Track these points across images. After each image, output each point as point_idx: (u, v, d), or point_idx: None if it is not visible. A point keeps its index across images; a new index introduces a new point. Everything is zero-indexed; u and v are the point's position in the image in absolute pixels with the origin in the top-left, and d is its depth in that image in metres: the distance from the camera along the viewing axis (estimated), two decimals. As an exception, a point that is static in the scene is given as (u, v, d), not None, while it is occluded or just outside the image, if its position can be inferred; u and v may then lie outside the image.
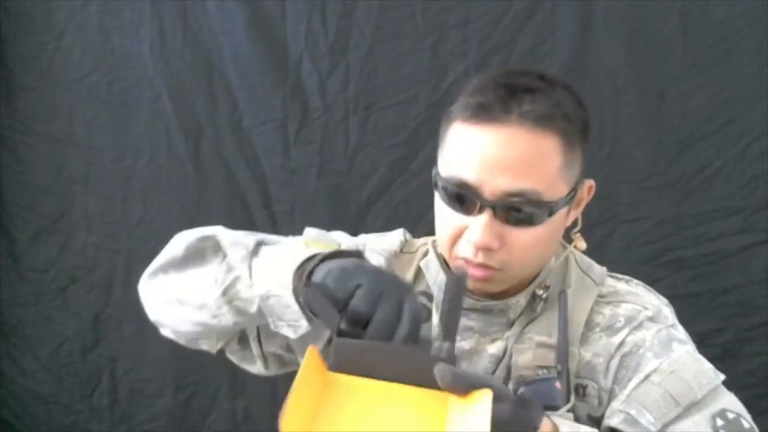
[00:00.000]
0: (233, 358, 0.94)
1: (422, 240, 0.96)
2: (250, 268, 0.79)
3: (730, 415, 0.76)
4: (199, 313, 0.83)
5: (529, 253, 0.80)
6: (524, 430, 0.64)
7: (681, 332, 0.84)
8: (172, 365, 1.92)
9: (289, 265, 0.74)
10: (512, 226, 0.78)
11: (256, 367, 0.94)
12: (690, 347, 0.82)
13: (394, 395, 0.63)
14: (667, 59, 1.63)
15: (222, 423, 1.94)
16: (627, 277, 0.91)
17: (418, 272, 0.92)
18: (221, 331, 0.87)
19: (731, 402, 0.78)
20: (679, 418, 0.76)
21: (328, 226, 0.97)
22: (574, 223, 0.88)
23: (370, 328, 0.64)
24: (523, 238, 0.78)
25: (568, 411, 0.80)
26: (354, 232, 1.01)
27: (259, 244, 0.83)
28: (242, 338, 0.93)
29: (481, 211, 0.77)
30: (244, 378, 1.88)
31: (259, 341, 0.91)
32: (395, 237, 0.97)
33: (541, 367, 0.82)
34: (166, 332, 0.91)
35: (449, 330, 0.66)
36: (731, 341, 1.67)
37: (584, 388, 0.82)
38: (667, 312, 0.86)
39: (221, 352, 0.93)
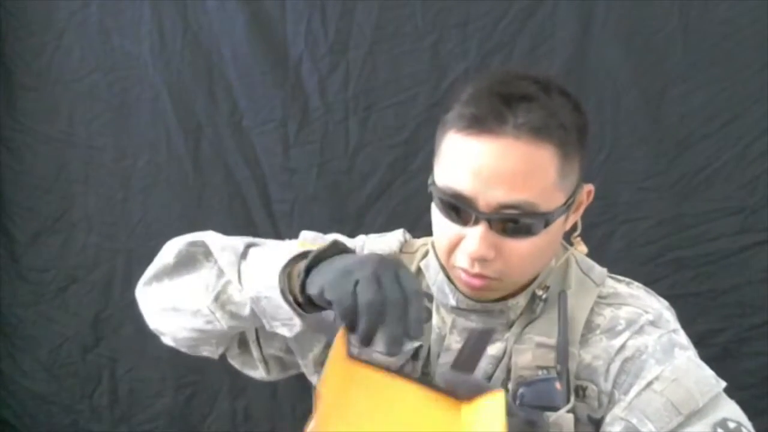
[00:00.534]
0: (235, 363, 0.94)
1: (422, 240, 0.96)
2: (239, 271, 0.79)
3: (731, 425, 0.76)
4: (195, 320, 0.83)
5: (526, 262, 0.80)
6: None
7: (682, 337, 0.84)
8: (172, 365, 1.92)
9: (276, 265, 0.75)
10: (508, 237, 0.77)
11: (258, 372, 0.94)
12: (691, 353, 0.82)
13: (409, 391, 0.63)
14: (667, 59, 1.63)
15: (222, 423, 1.94)
16: (627, 279, 0.91)
17: (418, 273, 0.92)
18: (219, 336, 0.87)
19: (732, 411, 0.78)
20: (680, 426, 0.76)
21: (328, 226, 0.97)
22: (574, 227, 0.88)
23: (385, 316, 0.65)
24: (519, 248, 0.78)
25: (568, 412, 0.80)
26: (354, 232, 1.01)
27: (248, 247, 0.83)
28: (242, 342, 0.93)
29: (476, 222, 0.77)
30: (244, 378, 1.86)
31: (259, 344, 0.91)
32: (394, 238, 0.97)
33: (541, 368, 0.82)
34: (167, 340, 0.91)
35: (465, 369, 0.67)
36: (731, 341, 1.67)
37: (584, 389, 0.82)
38: (668, 316, 0.86)
39: (222, 356, 0.93)
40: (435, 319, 0.89)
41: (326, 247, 0.75)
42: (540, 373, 0.81)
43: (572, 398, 0.81)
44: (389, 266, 0.68)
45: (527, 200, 0.75)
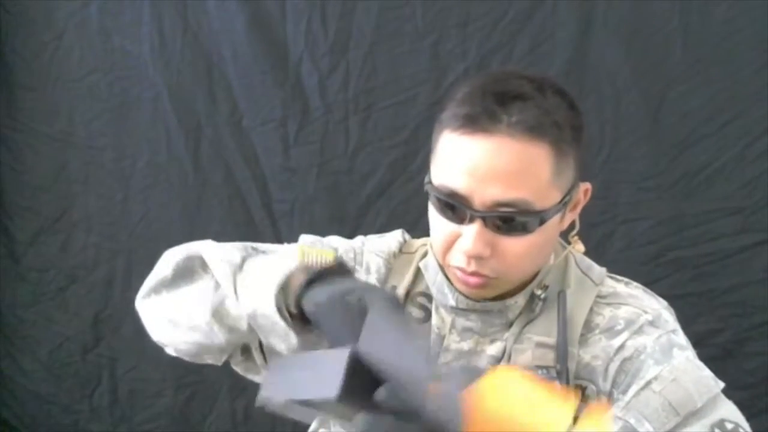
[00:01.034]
0: (238, 368, 0.94)
1: (422, 240, 0.96)
2: (235, 285, 0.78)
3: (729, 426, 0.76)
4: (193, 334, 0.83)
5: (522, 260, 0.80)
6: None
7: (681, 337, 0.84)
8: (172, 365, 1.91)
9: (273, 281, 0.74)
10: (504, 235, 0.77)
11: (262, 377, 0.94)
12: (690, 353, 0.82)
13: None
14: (667, 59, 1.63)
15: (222, 423, 1.94)
16: (626, 279, 0.90)
17: (418, 273, 0.92)
18: (219, 348, 0.87)
19: (730, 412, 0.78)
20: (678, 427, 0.76)
21: (328, 226, 0.97)
22: (572, 226, 0.88)
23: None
24: (515, 246, 0.78)
25: (568, 411, 0.80)
26: (354, 232, 1.01)
27: (245, 258, 0.82)
28: (245, 349, 0.92)
29: (471, 220, 0.77)
30: (244, 378, 1.87)
31: (262, 351, 0.91)
32: (393, 238, 0.97)
33: (541, 367, 0.82)
34: (169, 351, 0.91)
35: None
36: (731, 341, 1.67)
37: (583, 389, 0.82)
38: (667, 316, 0.86)
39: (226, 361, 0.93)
40: (434, 319, 0.89)
41: (326, 268, 0.74)
42: (539, 372, 0.81)
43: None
44: (382, 298, 0.67)
45: (522, 198, 0.75)
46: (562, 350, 0.82)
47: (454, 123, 0.78)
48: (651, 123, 1.65)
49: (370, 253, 0.94)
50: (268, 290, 0.74)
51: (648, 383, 0.78)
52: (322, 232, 1.00)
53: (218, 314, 0.80)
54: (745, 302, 1.66)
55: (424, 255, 0.93)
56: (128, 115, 1.87)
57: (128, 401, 1.98)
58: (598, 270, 0.90)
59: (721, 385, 0.80)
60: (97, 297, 1.95)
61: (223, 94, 1.82)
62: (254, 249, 0.90)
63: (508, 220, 0.77)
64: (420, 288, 0.91)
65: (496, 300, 0.85)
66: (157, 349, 0.90)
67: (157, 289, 0.87)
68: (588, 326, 0.84)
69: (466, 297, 0.85)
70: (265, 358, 0.91)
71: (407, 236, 0.98)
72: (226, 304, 0.79)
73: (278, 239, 1.84)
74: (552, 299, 0.85)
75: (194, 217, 1.87)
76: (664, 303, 0.88)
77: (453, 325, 0.88)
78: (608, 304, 0.86)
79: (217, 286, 0.80)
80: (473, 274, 0.80)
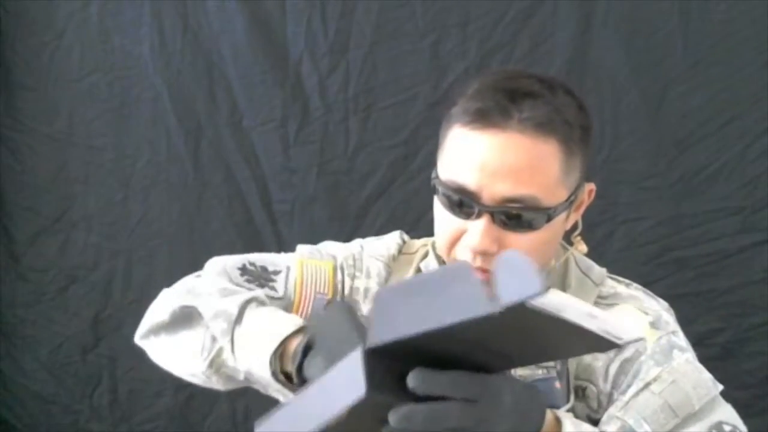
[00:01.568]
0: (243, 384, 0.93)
1: (422, 241, 0.96)
2: (232, 341, 0.79)
3: (727, 428, 0.76)
4: (193, 378, 0.86)
5: (528, 257, 0.80)
6: (537, 408, 0.63)
7: (681, 339, 0.84)
8: (172, 365, 1.92)
9: (268, 347, 0.74)
10: (510, 231, 0.77)
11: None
12: (690, 355, 0.82)
13: None
14: (667, 59, 1.63)
15: (222, 423, 1.94)
16: (626, 281, 0.90)
17: (418, 273, 0.92)
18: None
19: (728, 414, 0.78)
20: (676, 428, 0.76)
21: (328, 226, 0.97)
22: (575, 226, 0.88)
23: None
24: (521, 242, 0.77)
25: (568, 411, 0.80)
26: (354, 232, 1.01)
27: (243, 309, 0.80)
28: None
29: (479, 216, 0.77)
30: (244, 378, 1.88)
31: None
32: (392, 240, 0.96)
33: (541, 367, 0.82)
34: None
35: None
36: (731, 341, 1.67)
37: (584, 390, 0.82)
38: (668, 317, 0.86)
39: None
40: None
41: (322, 323, 0.72)
42: (539, 372, 0.81)
43: (572, 398, 0.81)
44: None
45: (531, 194, 0.75)
46: (562, 350, 0.82)
47: (465, 118, 0.77)
48: (651, 123, 1.65)
49: (370, 257, 0.93)
50: (263, 356, 0.74)
51: (647, 384, 0.78)
52: (322, 232, 1.00)
53: (215, 364, 0.81)
54: (745, 302, 1.66)
55: (425, 255, 0.92)
56: (128, 115, 1.87)
57: (128, 401, 1.98)
58: (599, 270, 0.89)
59: (720, 387, 0.80)
60: (97, 297, 1.95)
61: (223, 94, 1.82)
62: (252, 264, 0.90)
63: (515, 216, 0.77)
64: (420, 288, 0.91)
65: (497, 299, 0.85)
66: (158, 350, 0.90)
67: (155, 331, 0.89)
68: (588, 326, 0.84)
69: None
70: None
71: (406, 237, 0.98)
72: (223, 355, 0.80)
73: (278, 239, 1.86)
74: (552, 300, 0.85)
75: (194, 217, 1.87)
76: (665, 304, 0.88)
77: (453, 325, 0.88)
78: (609, 305, 0.86)
79: (214, 339, 0.81)
80: (478, 270, 0.79)
